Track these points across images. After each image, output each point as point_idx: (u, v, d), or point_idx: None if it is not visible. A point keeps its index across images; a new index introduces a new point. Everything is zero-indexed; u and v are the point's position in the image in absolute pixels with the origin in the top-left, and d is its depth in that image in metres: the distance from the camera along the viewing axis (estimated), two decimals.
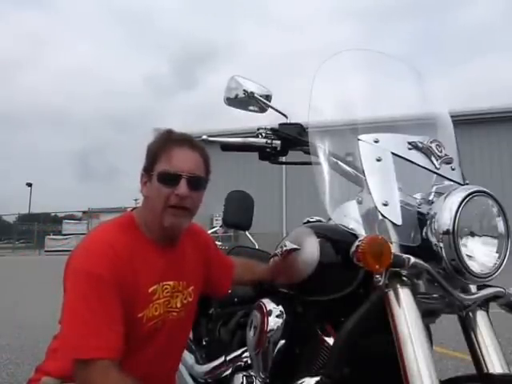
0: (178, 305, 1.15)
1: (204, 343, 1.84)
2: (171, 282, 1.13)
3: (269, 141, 1.19)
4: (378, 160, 0.94)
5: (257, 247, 2.10)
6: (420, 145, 0.96)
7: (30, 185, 40.19)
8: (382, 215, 0.88)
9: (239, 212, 1.63)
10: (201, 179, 1.11)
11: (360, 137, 0.96)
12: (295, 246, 1.13)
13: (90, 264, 0.98)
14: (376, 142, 0.95)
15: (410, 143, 0.96)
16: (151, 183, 1.09)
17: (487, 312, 0.89)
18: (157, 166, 1.08)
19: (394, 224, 0.87)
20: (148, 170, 1.10)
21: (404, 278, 0.83)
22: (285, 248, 1.17)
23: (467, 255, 0.83)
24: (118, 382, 0.93)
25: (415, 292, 0.83)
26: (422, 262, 0.82)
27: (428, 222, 0.87)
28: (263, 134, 1.20)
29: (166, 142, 1.10)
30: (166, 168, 1.07)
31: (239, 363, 1.36)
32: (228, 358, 1.45)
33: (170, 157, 1.07)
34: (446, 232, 0.82)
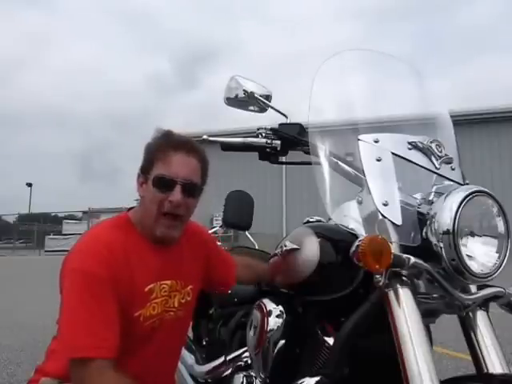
0: (176, 304, 1.15)
1: (204, 343, 1.84)
2: (169, 282, 1.13)
3: (269, 141, 1.19)
4: (378, 160, 0.94)
5: (257, 247, 2.09)
6: (420, 145, 0.96)
7: (30, 185, 40.25)
8: (382, 215, 0.88)
9: (239, 212, 1.63)
10: (196, 186, 1.11)
11: (360, 137, 0.96)
12: (295, 246, 1.13)
13: (85, 263, 0.98)
14: (376, 142, 0.95)
15: (410, 143, 0.96)
16: (147, 185, 1.09)
17: (487, 312, 0.89)
18: (153, 169, 1.08)
19: (394, 224, 0.87)
20: (145, 172, 1.10)
21: (404, 278, 0.83)
22: (285, 248, 1.17)
23: (467, 255, 0.83)
24: (114, 381, 0.93)
25: (415, 292, 0.83)
26: (421, 262, 0.81)
27: (428, 222, 0.87)
28: (263, 134, 1.20)
29: (164, 145, 1.09)
30: (162, 172, 1.06)
31: (239, 363, 1.36)
32: (228, 357, 1.45)
33: (166, 161, 1.07)
34: (446, 232, 0.82)
